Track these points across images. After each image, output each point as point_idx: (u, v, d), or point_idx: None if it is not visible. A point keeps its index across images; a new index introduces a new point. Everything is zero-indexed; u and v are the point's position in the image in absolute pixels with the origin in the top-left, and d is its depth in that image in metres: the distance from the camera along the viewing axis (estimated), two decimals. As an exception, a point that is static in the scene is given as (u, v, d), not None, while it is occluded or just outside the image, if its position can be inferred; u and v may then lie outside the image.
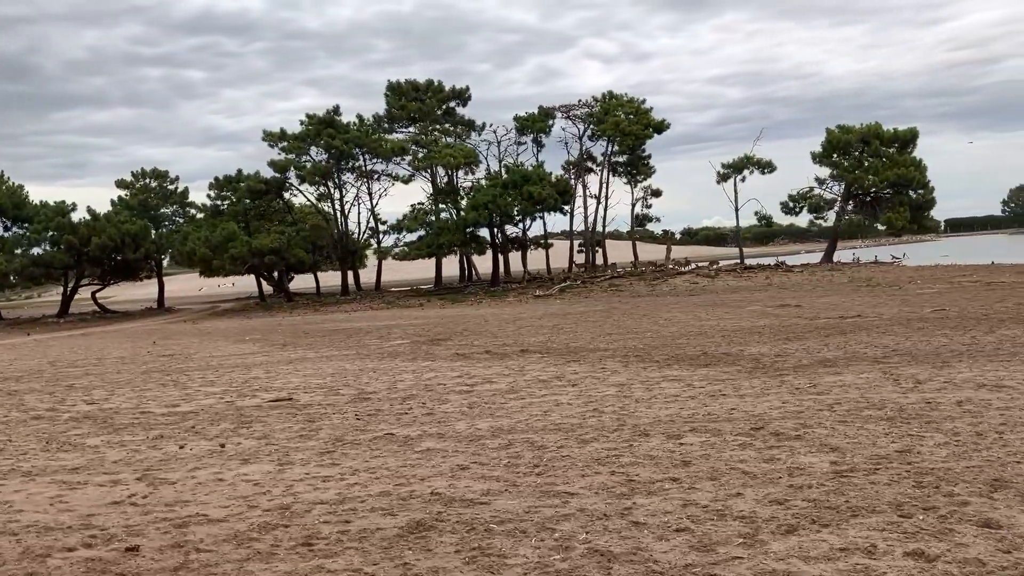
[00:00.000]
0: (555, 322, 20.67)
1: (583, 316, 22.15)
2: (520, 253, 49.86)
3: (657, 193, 58.73)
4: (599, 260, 55.27)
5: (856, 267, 45.46)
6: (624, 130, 50.95)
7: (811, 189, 54.45)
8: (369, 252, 53.75)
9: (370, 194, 53.03)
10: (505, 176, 45.36)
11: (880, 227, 52.97)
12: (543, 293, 38.82)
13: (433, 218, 46.34)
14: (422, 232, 47.82)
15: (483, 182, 47.17)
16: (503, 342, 16.30)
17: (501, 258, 49.16)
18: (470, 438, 7.64)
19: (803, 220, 53.60)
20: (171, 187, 55.12)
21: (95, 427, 9.37)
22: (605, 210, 54.73)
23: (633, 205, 57.98)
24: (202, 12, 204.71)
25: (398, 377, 11.99)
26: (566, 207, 47.23)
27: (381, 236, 52.10)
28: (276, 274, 47.79)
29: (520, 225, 47.22)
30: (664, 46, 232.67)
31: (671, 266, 51.52)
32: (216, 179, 50.30)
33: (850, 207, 51.48)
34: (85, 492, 6.44)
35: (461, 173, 49.02)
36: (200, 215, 49.92)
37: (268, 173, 48.33)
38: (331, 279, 54.84)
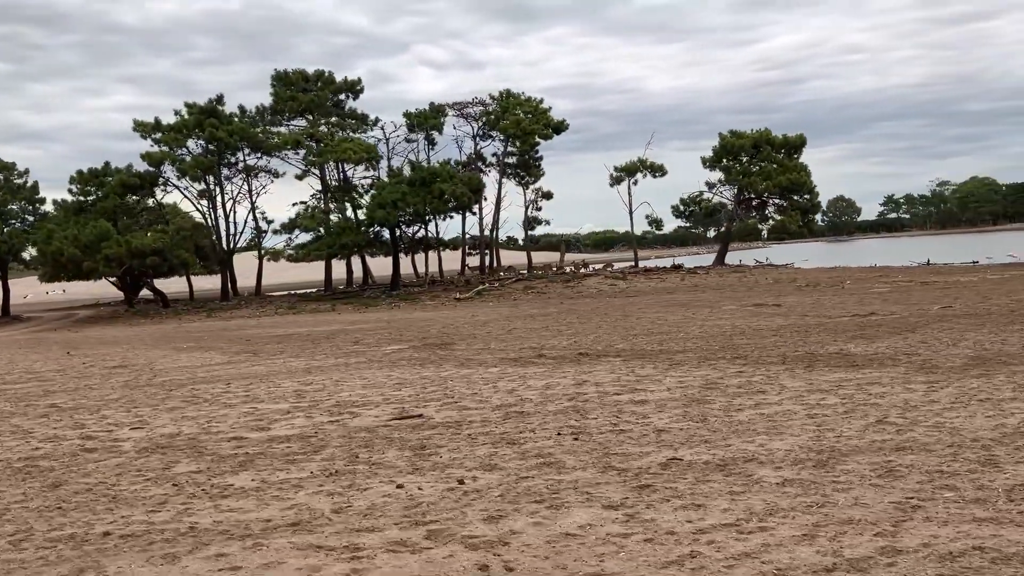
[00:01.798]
0: (536, 325, 20.18)
1: (556, 318, 21.88)
2: (422, 255, 47.22)
3: (548, 195, 57.59)
4: (490, 263, 53.70)
5: (760, 270, 45.61)
6: (525, 129, 49.21)
7: (701, 193, 54.74)
8: (252, 254, 49.83)
9: (250, 191, 48.99)
10: (411, 173, 42.59)
11: (762, 229, 53.60)
12: (463, 296, 36.89)
13: (335, 217, 43.05)
14: (313, 234, 44.28)
15: (385, 179, 44.24)
16: (523, 346, 15.41)
17: (401, 261, 46.46)
18: (816, 462, 6.06)
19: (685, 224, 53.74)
20: (19, 181, 48.67)
21: (208, 462, 7.23)
22: (498, 212, 53.00)
23: (527, 207, 56.68)
24: (5, 0, 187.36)
25: (501, 385, 10.52)
26: (475, 205, 44.97)
27: (264, 237, 48.33)
28: (136, 278, 42.92)
29: (426, 226, 44.70)
30: (496, 56, 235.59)
31: (570, 268, 50.95)
32: (80, 172, 44.86)
33: (739, 211, 51.65)
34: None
35: (360, 170, 45.94)
36: (55, 212, 44.28)
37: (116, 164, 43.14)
38: (201, 284, 50.58)
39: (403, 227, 43.67)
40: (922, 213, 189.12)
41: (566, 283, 41.99)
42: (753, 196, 52.31)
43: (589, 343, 15.27)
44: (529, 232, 57.96)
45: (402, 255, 46.45)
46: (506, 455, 7.03)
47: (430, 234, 46.88)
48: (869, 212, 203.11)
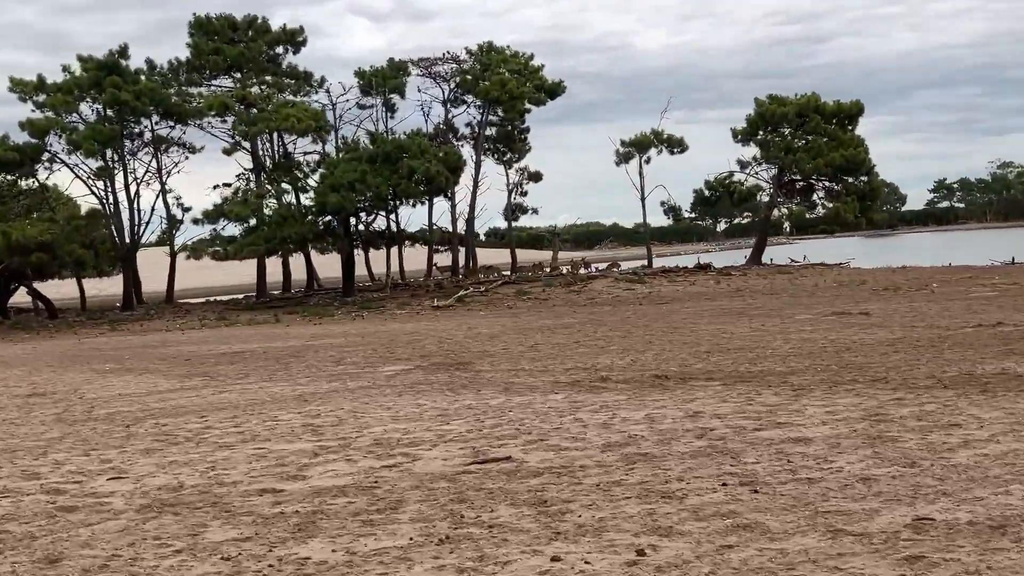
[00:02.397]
0: (561, 339, 20.85)
1: (584, 331, 22.53)
2: (380, 253, 46.80)
3: (536, 176, 57.59)
4: (465, 263, 53.61)
5: (809, 270, 45.94)
6: (512, 92, 48.90)
7: (731, 174, 54.93)
8: (162, 250, 49.16)
9: (160, 169, 48.29)
10: (371, 147, 42.11)
11: (813, 218, 53.94)
12: (442, 304, 36.69)
13: (273, 203, 42.45)
14: (244, 224, 43.71)
15: (337, 155, 43.72)
16: (568, 366, 15.70)
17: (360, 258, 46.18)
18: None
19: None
20: None
21: (251, 525, 6.83)
22: (474, 198, 52.81)
23: (510, 192, 56.57)
24: None
25: (587, 418, 10.45)
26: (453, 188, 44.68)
27: (179, 228, 47.74)
28: (8, 281, 41.88)
29: (388, 215, 44.36)
30: (448, 4, 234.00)
31: (566, 269, 51.25)
32: (-61, 145, 43.48)
33: (781, 196, 51.89)
34: None
35: (305, 143, 45.58)
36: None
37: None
38: (90, 288, 49.62)
39: (361, 216, 42.97)
40: (980, 201, 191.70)
41: (568, 287, 42.49)
42: (798, 177, 52.46)
43: (654, 363, 15.54)
44: (513, 223, 57.88)
45: (358, 251, 45.71)
46: (671, 514, 6.61)
47: (394, 225, 46.25)
48: (913, 201, 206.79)
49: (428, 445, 9.59)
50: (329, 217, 42.84)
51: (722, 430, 9.53)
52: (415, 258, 58.44)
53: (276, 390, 14.85)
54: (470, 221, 53.15)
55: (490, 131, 55.87)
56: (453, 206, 53.47)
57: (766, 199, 53.61)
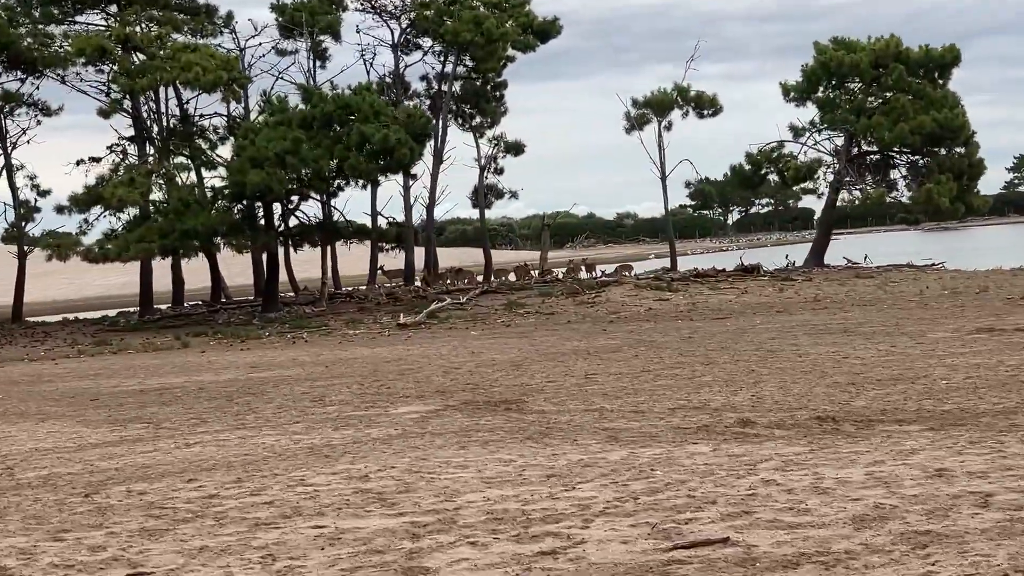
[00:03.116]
0: (619, 368, 21.85)
1: (643, 358, 23.67)
2: (321, 249, 46.50)
3: (516, 148, 57.45)
4: (420, 263, 53.46)
5: (893, 273, 46.31)
6: (490, 33, 48.43)
7: (780, 145, 55.05)
8: (7, 250, 48.32)
9: (5, 137, 47.35)
10: (306, 108, 41.51)
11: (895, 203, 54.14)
12: (410, 321, 36.52)
13: (160, 184, 41.72)
14: (126, 214, 43.09)
15: (257, 118, 43.11)
16: (672, 406, 16.25)
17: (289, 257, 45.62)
18: None
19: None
20: None
21: None
22: (435, 179, 52.44)
23: (482, 169, 56.22)
24: None
25: (790, 481, 10.44)
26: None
27: (34, 219, 46.88)
28: None
29: (331, 198, 44.11)
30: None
31: (560, 273, 52.11)
32: None
33: (851, 173, 52.04)
34: None
35: (212, 102, 44.96)
36: None
37: None
38: None
39: (293, 200, 42.42)
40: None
41: (573, 296, 43.20)
42: (873, 149, 52.61)
43: (791, 400, 15.93)
44: (486, 210, 57.71)
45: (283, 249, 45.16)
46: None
47: (335, 214, 45.73)
48: (985, 184, 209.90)
49: (577, 520, 9.25)
50: (247, 203, 42.10)
51: (1006, 494, 9.11)
52: (347, 259, 58.04)
53: (267, 441, 14.85)
54: (430, 209, 52.65)
55: (456, 86, 55.51)
56: (406, 187, 52.99)
57: (830, 177, 53.39)
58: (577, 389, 18.47)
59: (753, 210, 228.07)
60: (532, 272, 53.25)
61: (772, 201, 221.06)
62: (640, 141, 55.48)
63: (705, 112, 55.51)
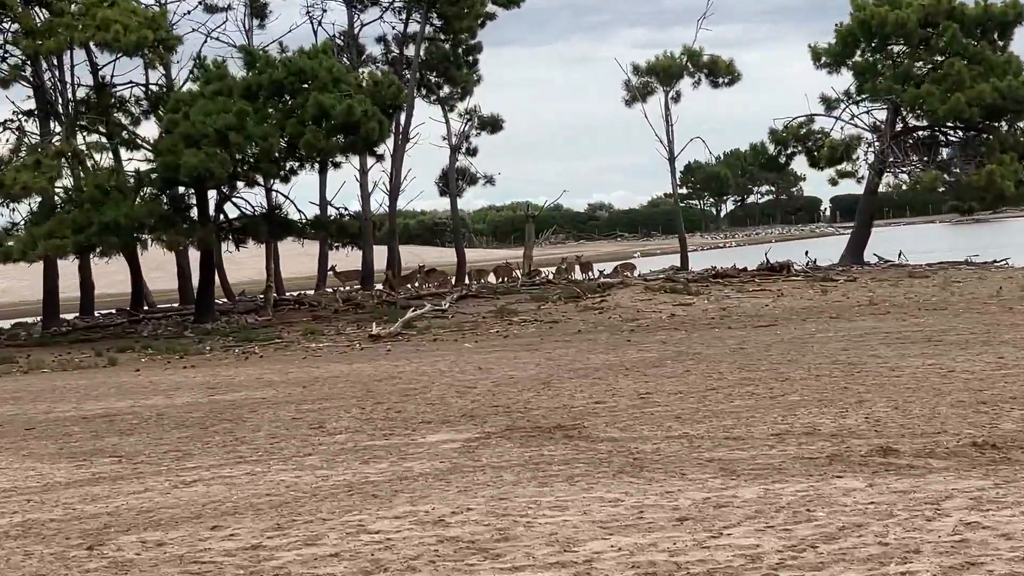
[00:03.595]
0: (676, 386, 22.22)
1: (699, 375, 24.00)
2: (266, 246, 46.03)
3: (493, 124, 57.46)
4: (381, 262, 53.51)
5: (950, 272, 46.67)
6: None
7: (810, 119, 55.08)
8: None
9: None
10: (250, 75, 40.99)
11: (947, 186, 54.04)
12: (384, 332, 36.46)
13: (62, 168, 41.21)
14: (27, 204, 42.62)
15: (191, 87, 42.63)
16: (775, 431, 16.41)
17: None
18: None
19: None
20: None
21: None
22: (399, 161, 52.20)
23: (454, 149, 56.14)
24: None
25: (977, 521, 10.47)
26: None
27: None
28: None
29: (284, 182, 43.82)
30: None
31: (551, 273, 53.17)
32: None
33: (895, 151, 51.99)
34: None
35: (132, 68, 44.42)
36: None
37: None
38: None
39: (239, 186, 42.11)
40: None
41: (573, 300, 43.84)
42: (922, 124, 52.60)
43: (913, 423, 16.06)
44: (458, 197, 57.61)
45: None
46: None
47: (280, 205, 45.37)
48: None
49: (757, 576, 8.85)
50: (180, 190, 41.66)
51: None
52: (287, 259, 57.67)
53: (285, 478, 14.74)
54: (393, 197, 52.41)
55: (414, 50, 55.30)
56: (363, 169, 52.79)
57: (871, 158, 53.34)
58: (638, 411, 18.55)
59: (751, 200, 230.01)
60: (515, 272, 53.42)
61: (774, 189, 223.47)
62: (644, 115, 55.73)
63: (720, 80, 55.58)
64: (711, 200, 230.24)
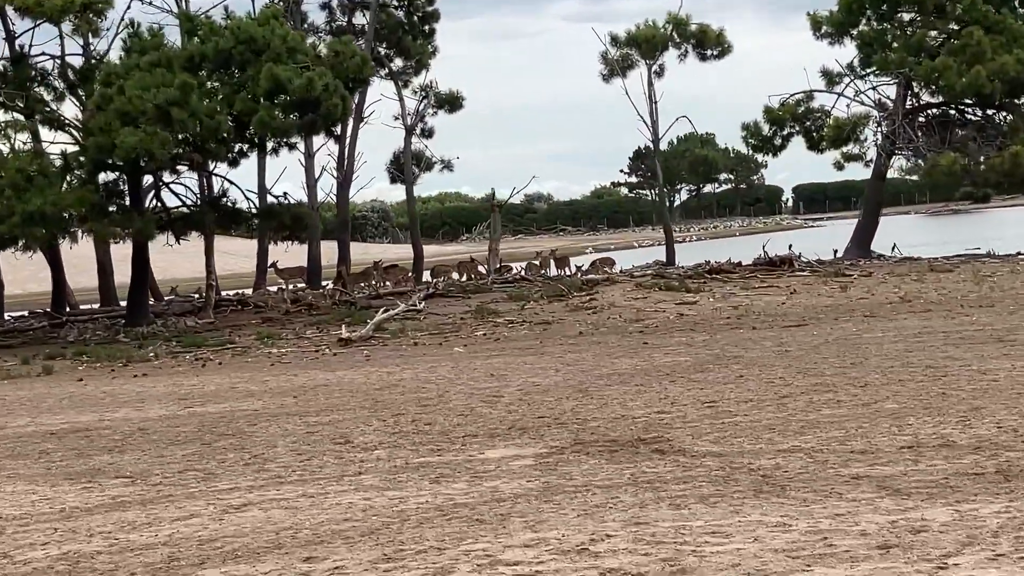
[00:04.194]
0: (742, 393, 22.53)
1: (751, 378, 24.50)
2: (206, 239, 45.50)
3: (452, 102, 57.21)
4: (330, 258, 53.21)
5: (974, 265, 46.72)
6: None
7: (809, 96, 55.10)
8: None
9: None
10: (192, 44, 40.40)
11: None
12: (355, 336, 36.17)
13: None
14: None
15: (121, 57, 42.00)
16: (914, 444, 16.39)
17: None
18: None
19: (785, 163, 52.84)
20: None
21: None
22: (351, 144, 51.81)
23: (409, 130, 55.83)
24: None
25: None
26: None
27: None
28: None
29: (233, 165, 43.35)
30: None
31: (523, 268, 53.67)
32: None
33: (907, 131, 51.95)
34: None
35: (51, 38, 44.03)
36: None
37: None
38: None
39: (176, 172, 41.48)
40: None
41: (558, 299, 44.06)
42: (936, 101, 52.60)
43: None
44: (414, 183, 57.25)
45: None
46: None
47: (227, 191, 44.88)
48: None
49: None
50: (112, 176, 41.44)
51: None
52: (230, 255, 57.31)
53: (353, 499, 14.52)
54: (344, 184, 51.93)
55: (361, 19, 55.07)
56: (308, 156, 52.37)
57: (879, 138, 53.30)
58: (716, 422, 18.61)
59: (706, 188, 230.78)
60: (480, 268, 53.33)
61: (732, 178, 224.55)
62: (625, 91, 55.34)
63: (709, 52, 55.41)
64: (665, 189, 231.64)
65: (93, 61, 45.69)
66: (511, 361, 29.60)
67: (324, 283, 52.63)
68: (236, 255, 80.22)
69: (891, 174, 56.95)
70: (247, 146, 42.66)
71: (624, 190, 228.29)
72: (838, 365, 24.41)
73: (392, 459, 17.05)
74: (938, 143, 53.00)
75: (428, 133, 58.23)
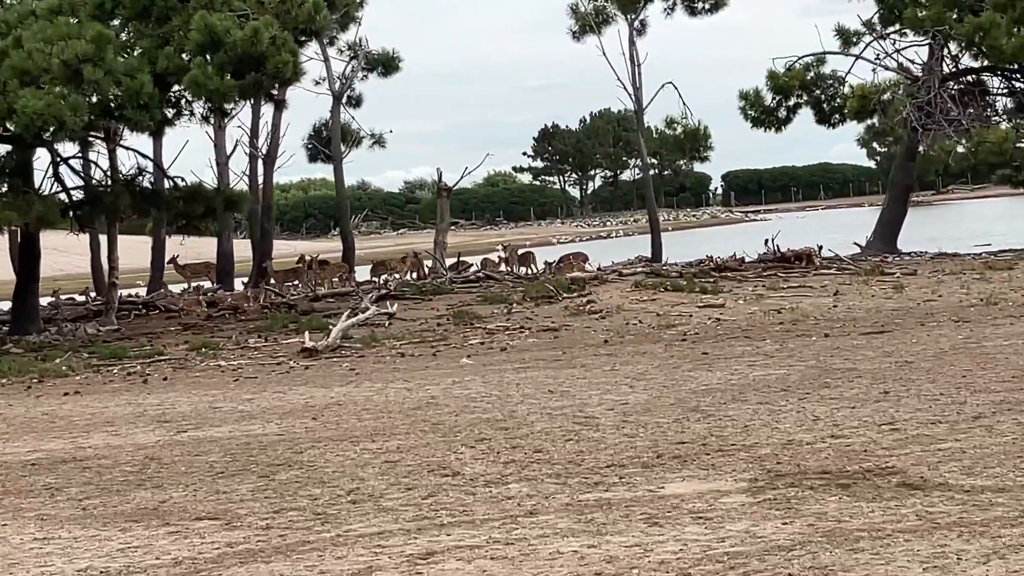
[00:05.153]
0: (904, 413, 22.59)
1: (889, 396, 24.60)
2: (109, 228, 44.83)
3: (387, 63, 56.74)
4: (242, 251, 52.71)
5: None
6: None
7: (821, 59, 54.92)
8: None
9: None
10: None
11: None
12: (320, 345, 35.98)
13: None
14: None
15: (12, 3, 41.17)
16: None
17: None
18: None
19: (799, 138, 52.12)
20: None
21: None
22: (278, 112, 51.13)
23: (338, 97, 55.30)
24: None
25: None
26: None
27: None
28: None
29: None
30: None
31: (488, 265, 54.49)
32: None
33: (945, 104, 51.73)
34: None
35: None
36: None
37: None
38: None
39: (88, 145, 40.41)
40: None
41: (547, 301, 44.41)
42: (977, 65, 52.40)
43: None
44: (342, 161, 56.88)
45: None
46: None
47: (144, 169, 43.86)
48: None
49: None
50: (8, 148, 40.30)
51: None
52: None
53: (572, 548, 14.21)
54: (269, 160, 51.05)
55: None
56: (219, 129, 51.82)
57: (911, 111, 52.95)
58: (932, 448, 18.51)
59: (621, 174, 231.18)
60: (425, 264, 53.87)
61: (655, 162, 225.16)
62: (601, 51, 54.84)
63: (699, 6, 55.08)
64: (574, 176, 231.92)
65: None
66: (550, 374, 30.14)
67: (242, 282, 51.96)
68: (68, 252, 79.19)
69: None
70: (172, 112, 41.52)
71: (526, 176, 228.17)
72: (996, 379, 24.47)
73: (542, 495, 16.91)
74: (982, 115, 52.79)
75: (356, 102, 57.59)
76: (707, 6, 55.09)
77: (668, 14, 55.14)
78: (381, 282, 49.54)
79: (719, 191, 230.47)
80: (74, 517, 17.30)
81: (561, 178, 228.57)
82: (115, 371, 35.31)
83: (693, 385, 26.47)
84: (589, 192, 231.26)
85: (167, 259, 53.31)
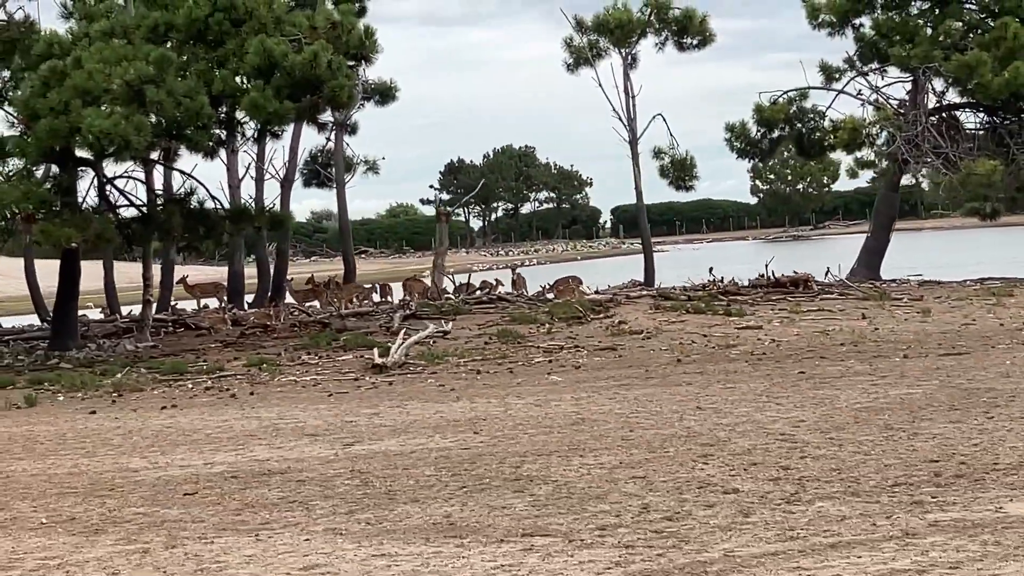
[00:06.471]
0: None
1: None
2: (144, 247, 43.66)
3: (383, 93, 56.57)
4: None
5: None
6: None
7: (803, 94, 54.17)
8: None
9: None
10: (159, 13, 38.98)
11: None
12: (390, 362, 34.97)
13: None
14: None
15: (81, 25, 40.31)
16: None
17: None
18: None
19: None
20: None
21: None
22: (298, 136, 50.22)
23: (340, 124, 54.52)
24: None
25: None
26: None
27: None
28: None
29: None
30: None
31: (490, 286, 53.10)
32: None
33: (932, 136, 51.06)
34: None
35: None
36: None
37: None
38: None
39: (148, 164, 39.16)
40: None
41: (575, 321, 43.26)
42: (962, 101, 51.66)
43: None
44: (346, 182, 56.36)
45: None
46: None
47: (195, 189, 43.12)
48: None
49: None
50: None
51: None
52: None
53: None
54: (287, 183, 49.74)
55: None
56: (232, 152, 50.53)
57: (899, 143, 52.30)
58: None
59: (526, 208, 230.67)
60: (427, 286, 53.73)
61: (554, 196, 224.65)
62: (597, 82, 54.01)
63: (688, 42, 54.06)
64: (477, 209, 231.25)
65: (22, 28, 42.76)
66: (667, 391, 29.27)
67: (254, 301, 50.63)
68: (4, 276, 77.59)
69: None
70: (225, 133, 40.14)
71: (427, 209, 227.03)
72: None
73: (868, 514, 15.76)
74: (966, 149, 52.12)
75: (352, 129, 56.43)
76: (696, 42, 54.01)
77: (660, 49, 54.18)
78: (407, 303, 48.49)
79: (608, 224, 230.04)
80: (370, 532, 16.30)
81: (465, 210, 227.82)
82: (190, 386, 34.29)
83: (842, 404, 25.70)
84: (488, 223, 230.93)
85: (176, 279, 51.93)
